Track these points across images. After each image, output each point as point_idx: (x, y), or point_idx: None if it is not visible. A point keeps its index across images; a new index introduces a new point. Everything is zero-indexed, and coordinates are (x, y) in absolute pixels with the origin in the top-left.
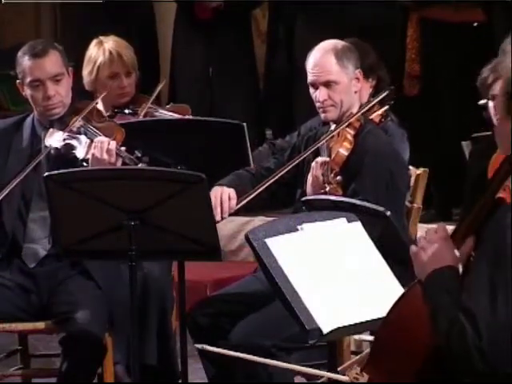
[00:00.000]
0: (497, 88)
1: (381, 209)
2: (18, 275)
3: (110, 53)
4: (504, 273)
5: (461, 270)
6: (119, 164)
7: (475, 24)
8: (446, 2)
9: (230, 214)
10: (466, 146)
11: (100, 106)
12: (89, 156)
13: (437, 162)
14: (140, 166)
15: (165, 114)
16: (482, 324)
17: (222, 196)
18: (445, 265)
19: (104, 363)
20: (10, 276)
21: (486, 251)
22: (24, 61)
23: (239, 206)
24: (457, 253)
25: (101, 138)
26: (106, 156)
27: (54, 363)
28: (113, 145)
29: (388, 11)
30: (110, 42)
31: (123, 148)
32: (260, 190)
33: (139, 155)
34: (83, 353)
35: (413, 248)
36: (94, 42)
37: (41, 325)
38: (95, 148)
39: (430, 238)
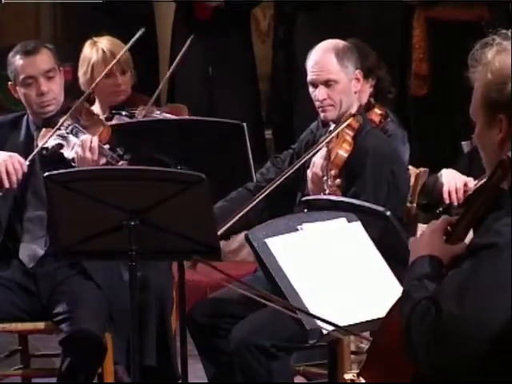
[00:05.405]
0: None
1: (381, 209)
2: (18, 275)
3: (103, 51)
4: (482, 268)
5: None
6: (102, 162)
7: (483, 23)
8: (454, 1)
9: (233, 232)
10: (466, 146)
11: (97, 107)
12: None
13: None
14: (121, 163)
15: (162, 115)
16: (445, 313)
17: None
18: (427, 254)
19: (104, 363)
20: (9, 276)
21: (472, 247)
22: (16, 60)
23: (237, 217)
24: (447, 246)
25: (84, 137)
26: (88, 154)
27: (54, 363)
28: (95, 143)
29: (388, 11)
30: (103, 42)
31: (106, 146)
32: (259, 198)
33: (121, 153)
34: (83, 353)
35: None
36: (88, 42)
37: (41, 325)
38: (78, 146)
39: (424, 229)
